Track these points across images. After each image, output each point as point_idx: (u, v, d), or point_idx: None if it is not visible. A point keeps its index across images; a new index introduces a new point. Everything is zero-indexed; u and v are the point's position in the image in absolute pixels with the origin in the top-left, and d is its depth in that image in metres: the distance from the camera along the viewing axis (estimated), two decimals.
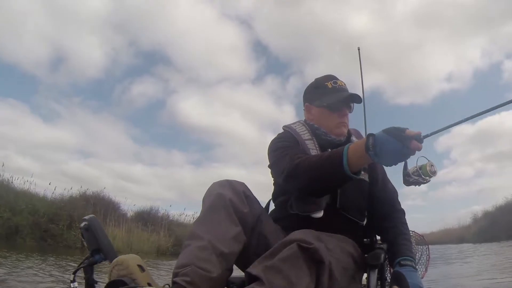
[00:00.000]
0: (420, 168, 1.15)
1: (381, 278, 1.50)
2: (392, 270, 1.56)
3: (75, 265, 1.27)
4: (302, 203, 1.44)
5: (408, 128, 1.08)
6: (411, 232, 1.68)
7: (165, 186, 23.10)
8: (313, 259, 1.10)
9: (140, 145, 25.09)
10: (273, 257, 1.09)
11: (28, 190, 10.49)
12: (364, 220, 1.60)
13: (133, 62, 23.94)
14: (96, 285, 1.27)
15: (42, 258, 6.46)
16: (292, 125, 1.66)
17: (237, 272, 1.30)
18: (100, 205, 12.08)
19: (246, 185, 1.35)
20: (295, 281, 1.04)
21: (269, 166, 1.56)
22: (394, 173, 1.68)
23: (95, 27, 23.36)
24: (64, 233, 9.64)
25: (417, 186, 1.20)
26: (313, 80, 1.73)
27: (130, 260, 1.09)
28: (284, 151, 1.45)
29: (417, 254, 1.89)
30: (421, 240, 1.92)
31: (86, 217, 1.31)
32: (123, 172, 21.23)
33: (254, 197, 1.37)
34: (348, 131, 1.65)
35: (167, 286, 1.14)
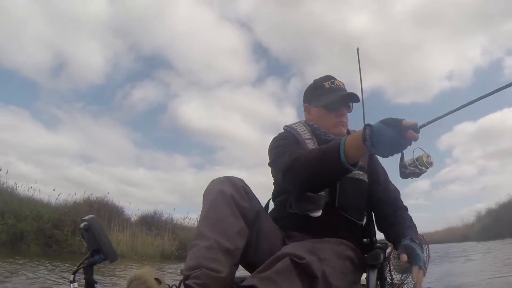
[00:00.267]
0: (417, 159, 1.16)
1: (380, 278, 1.51)
2: (393, 272, 1.56)
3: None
4: (301, 202, 1.45)
5: (404, 119, 1.09)
6: None
7: (167, 190, 23.09)
8: (306, 273, 1.13)
9: (142, 149, 25.12)
10: (267, 270, 1.12)
11: (32, 196, 10.56)
12: (363, 220, 1.60)
13: (133, 67, 23.99)
14: (96, 285, 1.27)
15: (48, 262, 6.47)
16: (293, 125, 1.68)
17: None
18: (104, 210, 12.09)
19: (244, 182, 1.36)
20: None
21: (269, 164, 1.56)
22: (392, 172, 1.69)
23: (95, 32, 23.44)
24: (68, 238, 9.65)
25: (413, 178, 1.20)
26: (312, 81, 1.75)
27: (147, 274, 1.10)
28: (283, 149, 1.46)
29: None
30: (421, 239, 1.93)
31: (86, 218, 1.31)
32: (125, 176, 21.26)
33: (253, 193, 1.37)
34: (348, 131, 1.66)
35: (174, 286, 1.18)
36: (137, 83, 26.07)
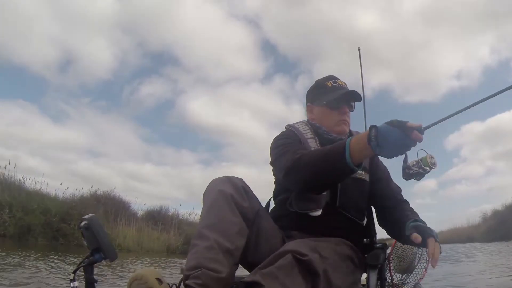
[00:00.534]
0: (421, 160, 1.16)
1: (380, 278, 1.51)
2: (393, 273, 1.54)
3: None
4: (301, 201, 1.44)
5: (409, 121, 1.09)
6: None
7: (174, 186, 23.23)
8: (307, 270, 1.13)
9: (150, 145, 25.25)
10: (269, 266, 1.12)
11: (39, 190, 10.67)
12: (363, 220, 1.59)
13: (141, 63, 24.12)
14: (96, 284, 1.27)
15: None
16: (295, 124, 1.67)
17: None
18: (110, 205, 12.21)
19: (244, 181, 1.35)
20: (291, 287, 1.08)
21: (271, 163, 1.56)
22: (395, 174, 1.67)
23: (103, 28, 23.57)
24: (75, 232, 9.72)
25: (416, 180, 1.19)
26: (315, 81, 1.74)
27: (148, 274, 1.11)
28: (286, 148, 1.45)
29: (417, 254, 1.89)
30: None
31: (86, 216, 1.31)
32: (132, 171, 21.35)
33: (253, 193, 1.37)
34: (350, 132, 1.64)
35: (174, 286, 1.18)
36: (145, 79, 26.11)
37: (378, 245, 1.57)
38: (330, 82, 1.64)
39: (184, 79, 25.61)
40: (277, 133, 1.66)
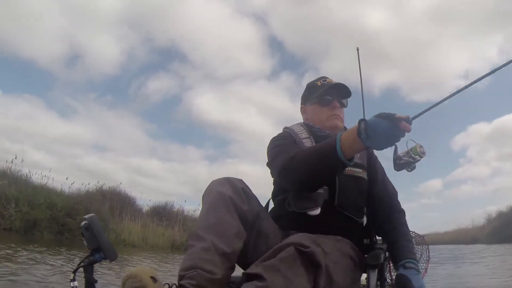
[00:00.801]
0: (411, 150, 1.21)
1: (380, 278, 1.50)
2: (392, 273, 1.54)
3: None
4: (299, 200, 1.45)
5: (397, 113, 1.13)
6: (411, 233, 1.67)
7: (179, 181, 23.40)
8: (310, 261, 1.14)
9: (156, 141, 25.38)
10: (271, 258, 1.12)
11: (46, 184, 10.72)
12: (362, 218, 1.60)
13: (148, 59, 24.23)
14: (96, 284, 1.27)
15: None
16: (291, 126, 1.70)
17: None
18: (116, 200, 12.28)
19: (244, 182, 1.35)
20: (294, 279, 1.09)
21: (267, 164, 1.57)
22: (392, 174, 1.67)
23: (111, 24, 23.77)
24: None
25: (408, 170, 1.23)
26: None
27: (142, 272, 1.10)
28: (281, 148, 1.48)
29: (417, 255, 1.88)
30: (421, 240, 1.92)
31: (86, 216, 1.30)
32: (138, 167, 21.54)
33: (253, 194, 1.36)
34: (345, 128, 1.64)
35: (167, 285, 1.16)
36: (151, 75, 26.33)
37: (378, 245, 1.57)
38: (320, 81, 1.69)
39: (191, 75, 25.76)
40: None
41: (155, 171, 22.19)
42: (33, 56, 23.34)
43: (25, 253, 5.35)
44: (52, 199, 9.70)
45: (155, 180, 22.45)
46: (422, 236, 1.93)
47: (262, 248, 1.32)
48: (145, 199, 17.66)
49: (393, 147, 1.20)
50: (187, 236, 12.19)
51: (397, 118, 1.10)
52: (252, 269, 1.11)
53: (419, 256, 1.87)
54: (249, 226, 1.29)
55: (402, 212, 1.62)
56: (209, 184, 1.32)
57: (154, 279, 1.09)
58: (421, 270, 1.85)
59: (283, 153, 1.43)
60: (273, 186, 1.66)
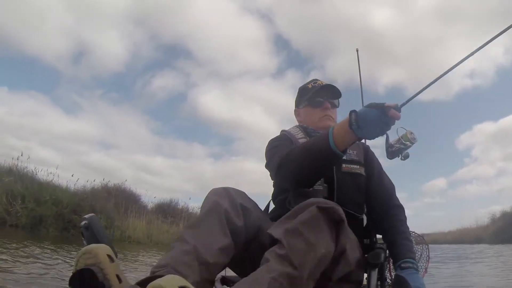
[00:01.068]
0: (402, 137, 1.25)
1: (381, 278, 1.50)
2: (393, 272, 1.53)
3: None
4: (298, 198, 1.42)
5: (386, 102, 1.16)
6: (411, 232, 1.66)
7: (185, 179, 23.46)
8: (332, 219, 1.11)
9: (161, 138, 25.47)
10: (293, 219, 1.10)
11: (51, 181, 10.78)
12: (362, 214, 1.61)
13: (154, 56, 24.30)
14: None
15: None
16: (288, 129, 1.74)
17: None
18: (121, 197, 12.34)
19: (246, 194, 1.32)
20: (315, 242, 1.07)
21: (266, 166, 1.59)
22: (389, 171, 1.70)
23: (116, 21, 23.80)
24: None
25: (401, 159, 1.27)
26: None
27: (99, 249, 1.02)
28: (278, 149, 1.51)
29: (417, 254, 1.86)
30: (421, 240, 1.91)
31: (86, 216, 1.29)
32: (143, 164, 21.63)
33: (254, 206, 1.33)
34: None
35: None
36: (157, 72, 26.38)
37: (378, 245, 1.57)
38: (311, 84, 1.73)
39: (197, 73, 25.79)
40: (288, 128, 1.76)
41: (160, 168, 22.30)
42: (39, 52, 23.41)
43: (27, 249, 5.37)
44: (58, 196, 9.75)
45: (160, 177, 22.57)
46: (422, 236, 1.91)
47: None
48: (150, 196, 17.74)
49: (385, 136, 1.24)
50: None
51: (386, 107, 1.14)
52: (274, 232, 1.10)
53: (418, 255, 1.86)
54: (244, 242, 1.23)
55: (400, 208, 1.62)
56: (209, 192, 1.28)
57: (111, 258, 1.02)
58: (421, 270, 1.85)
59: (279, 152, 1.45)
60: (273, 188, 1.67)
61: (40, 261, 4.47)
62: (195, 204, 14.81)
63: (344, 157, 1.56)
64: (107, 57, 23.89)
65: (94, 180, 12.33)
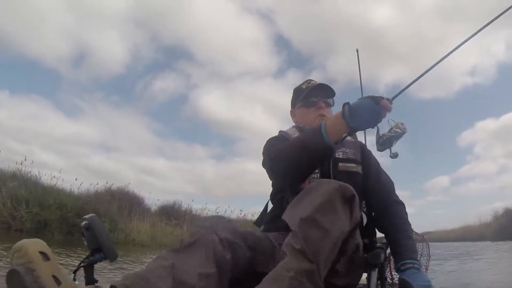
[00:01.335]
0: (393, 126, 1.31)
1: (381, 278, 1.51)
2: (393, 272, 1.53)
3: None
4: (296, 195, 1.43)
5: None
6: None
7: (187, 180, 23.45)
8: (344, 196, 1.11)
9: (162, 140, 25.50)
10: (306, 204, 1.10)
11: (55, 185, 10.80)
12: (360, 212, 1.57)
13: (154, 57, 24.33)
14: (96, 284, 1.27)
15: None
16: (285, 130, 1.76)
17: None
18: (125, 200, 12.34)
19: (234, 227, 1.26)
20: (330, 227, 1.06)
21: (263, 165, 1.58)
22: (387, 168, 1.71)
23: (117, 23, 23.83)
24: None
25: (390, 155, 1.31)
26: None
27: (30, 245, 0.89)
28: (274, 147, 1.53)
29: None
30: (422, 240, 1.91)
31: (86, 216, 1.31)
32: (145, 166, 21.60)
33: (244, 237, 1.26)
34: None
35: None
36: (158, 74, 26.40)
37: (378, 245, 1.57)
38: (305, 84, 1.76)
39: (197, 74, 25.80)
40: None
41: (162, 170, 22.28)
42: (39, 55, 23.47)
43: None
44: (62, 200, 9.77)
45: (162, 179, 22.55)
46: (422, 235, 1.91)
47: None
48: (153, 198, 17.76)
49: (375, 129, 1.29)
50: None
51: (378, 97, 1.18)
52: (289, 220, 1.09)
53: (419, 254, 1.87)
54: (226, 280, 1.13)
55: (400, 204, 1.61)
56: (201, 218, 1.26)
57: (45, 255, 0.91)
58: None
59: (274, 149, 1.48)
60: (271, 188, 1.67)
61: None
62: (198, 206, 14.86)
63: (341, 156, 1.57)
64: (107, 59, 23.95)
65: (97, 183, 12.37)
